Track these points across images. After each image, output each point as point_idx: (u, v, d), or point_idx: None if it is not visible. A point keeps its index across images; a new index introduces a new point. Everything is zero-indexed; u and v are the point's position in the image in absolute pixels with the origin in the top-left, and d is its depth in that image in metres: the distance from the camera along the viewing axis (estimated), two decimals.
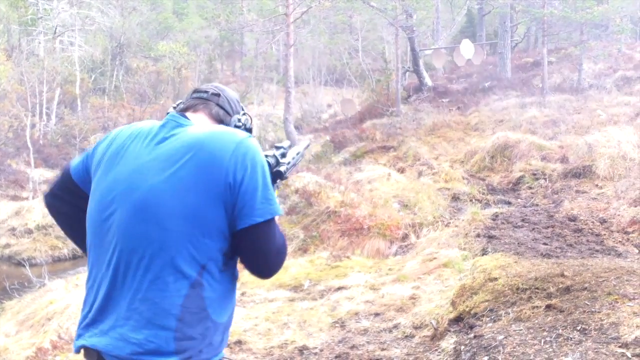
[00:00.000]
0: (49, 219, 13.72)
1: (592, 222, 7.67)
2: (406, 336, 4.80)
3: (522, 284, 4.25)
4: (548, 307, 3.82)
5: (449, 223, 8.85)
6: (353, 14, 27.07)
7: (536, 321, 3.71)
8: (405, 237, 8.68)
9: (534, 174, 11.27)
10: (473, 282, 4.71)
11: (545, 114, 15.62)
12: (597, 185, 9.83)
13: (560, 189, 10.14)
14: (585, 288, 3.94)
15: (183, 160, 1.64)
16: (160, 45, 30.37)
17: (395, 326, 5.03)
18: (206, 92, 1.90)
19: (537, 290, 4.12)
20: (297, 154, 2.09)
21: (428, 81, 21.85)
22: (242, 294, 6.26)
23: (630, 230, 7.18)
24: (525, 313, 3.86)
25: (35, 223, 13.74)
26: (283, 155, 1.97)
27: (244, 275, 6.78)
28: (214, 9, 32.60)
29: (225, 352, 1.80)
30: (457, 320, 4.41)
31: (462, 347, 3.90)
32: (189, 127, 1.74)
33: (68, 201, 1.94)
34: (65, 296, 7.66)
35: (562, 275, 4.24)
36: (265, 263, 1.74)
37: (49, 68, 21.68)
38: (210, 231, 1.63)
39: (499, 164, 12.34)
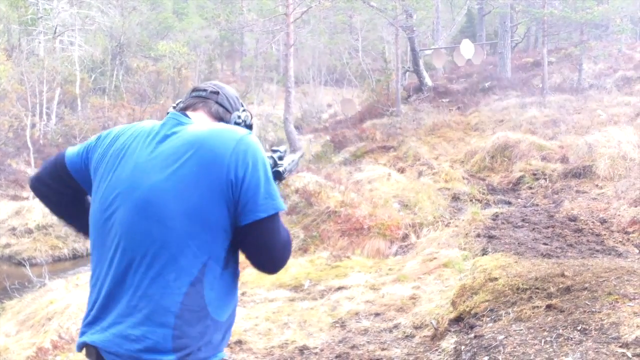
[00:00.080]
0: (49, 219, 13.72)
1: (593, 222, 7.67)
2: (406, 336, 4.80)
3: (522, 284, 4.25)
4: (548, 307, 3.82)
5: (449, 223, 8.86)
6: (353, 13, 27.10)
7: (536, 321, 3.71)
8: (405, 237, 8.68)
9: (534, 174, 11.27)
10: (473, 282, 4.71)
11: (545, 114, 15.62)
12: (597, 186, 9.83)
13: (560, 189, 10.15)
14: (586, 288, 3.94)
15: (184, 158, 1.65)
16: (160, 45, 30.37)
17: (396, 326, 5.03)
18: (205, 90, 1.90)
19: (537, 290, 4.12)
20: (292, 161, 2.09)
21: (428, 81, 21.86)
22: (243, 293, 6.27)
23: (630, 230, 7.18)
24: (526, 313, 3.86)
25: (36, 223, 13.74)
26: (280, 158, 1.97)
27: (244, 275, 6.79)
28: (214, 8, 32.64)
29: (226, 351, 1.80)
30: (458, 320, 4.41)
31: (463, 347, 3.90)
32: (189, 126, 1.75)
33: (55, 188, 1.96)
34: (66, 296, 7.66)
35: (563, 275, 4.24)
36: (271, 258, 1.75)
37: (49, 68, 21.67)
38: (211, 228, 1.63)
39: (499, 164, 12.34)
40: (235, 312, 1.82)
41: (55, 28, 25.45)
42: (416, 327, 4.89)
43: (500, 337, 3.64)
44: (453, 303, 4.72)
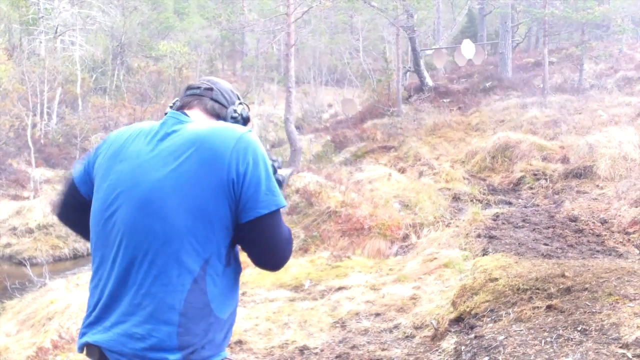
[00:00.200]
0: (50, 219, 13.73)
1: (593, 222, 7.66)
2: (407, 336, 4.80)
3: (522, 285, 4.25)
4: (549, 307, 3.82)
5: (450, 223, 8.85)
6: (354, 13, 27.07)
7: (537, 322, 3.71)
8: (405, 237, 8.68)
9: (535, 174, 11.27)
10: (474, 283, 4.71)
11: (546, 114, 15.61)
12: (598, 186, 9.82)
13: (561, 190, 10.15)
14: (586, 289, 3.94)
15: (185, 156, 1.66)
16: (161, 45, 30.38)
17: (396, 326, 5.03)
18: (199, 87, 1.91)
19: (537, 290, 4.12)
20: (286, 174, 2.08)
21: (429, 81, 21.84)
22: (243, 293, 6.27)
23: (631, 230, 7.17)
24: (526, 313, 3.86)
25: (36, 222, 13.75)
26: (279, 167, 1.97)
27: (245, 275, 6.79)
28: (215, 8, 32.57)
29: (226, 351, 1.80)
30: (458, 320, 4.41)
31: (463, 347, 3.90)
32: (189, 124, 1.76)
33: (81, 213, 1.92)
34: (66, 296, 7.66)
35: (563, 275, 4.24)
36: (273, 255, 1.76)
37: (50, 67, 21.67)
38: (213, 225, 1.64)
39: (500, 164, 12.34)
40: (236, 312, 1.82)
41: (57, 28, 25.45)
42: (416, 328, 4.89)
43: (501, 337, 3.64)
44: (453, 303, 4.72)
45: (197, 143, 1.67)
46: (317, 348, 4.70)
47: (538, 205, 9.58)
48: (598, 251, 6.47)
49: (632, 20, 27.01)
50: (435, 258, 6.88)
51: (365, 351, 4.53)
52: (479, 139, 14.72)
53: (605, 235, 7.15)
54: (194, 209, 1.62)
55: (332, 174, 11.74)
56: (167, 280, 1.61)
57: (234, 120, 1.89)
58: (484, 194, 10.74)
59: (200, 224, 1.62)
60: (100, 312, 1.69)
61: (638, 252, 6.55)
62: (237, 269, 1.77)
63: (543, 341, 3.43)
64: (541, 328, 3.60)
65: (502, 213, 8.77)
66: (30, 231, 13.58)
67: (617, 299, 3.69)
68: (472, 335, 3.93)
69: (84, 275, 8.87)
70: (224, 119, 1.88)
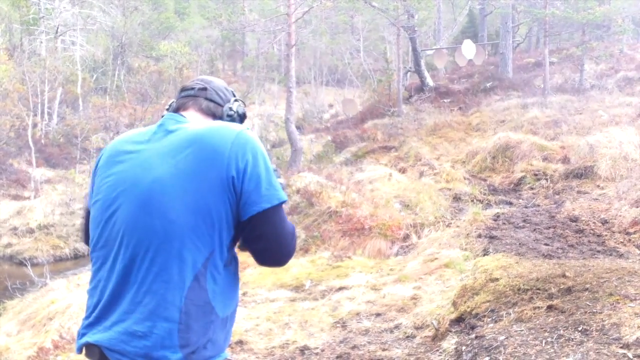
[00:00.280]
0: (51, 219, 13.75)
1: (594, 222, 7.66)
2: (407, 336, 4.80)
3: (523, 285, 4.25)
4: (549, 307, 3.82)
5: (450, 223, 8.85)
6: (355, 14, 27.06)
7: (537, 322, 3.71)
8: (406, 237, 8.68)
9: (536, 175, 11.27)
10: (474, 283, 4.71)
11: (546, 115, 15.61)
12: (598, 186, 9.82)
13: (561, 190, 10.14)
14: (587, 289, 3.94)
15: (184, 154, 1.66)
16: (161, 45, 30.38)
17: (397, 326, 5.03)
18: (193, 88, 1.92)
19: (538, 290, 4.12)
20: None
21: (429, 81, 21.84)
22: (244, 294, 6.27)
23: (631, 231, 7.17)
24: (527, 314, 3.86)
25: (37, 222, 13.76)
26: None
27: (245, 275, 6.80)
28: (215, 8, 32.62)
29: (227, 351, 1.80)
30: (459, 320, 4.41)
31: (464, 347, 3.90)
32: (187, 124, 1.77)
33: None
34: (67, 296, 7.67)
35: (564, 275, 4.24)
36: (279, 250, 1.76)
37: (51, 67, 21.68)
38: (213, 222, 1.64)
39: (501, 165, 12.34)
40: (236, 312, 1.82)
41: (57, 28, 25.45)
42: (417, 328, 4.89)
43: (501, 337, 3.64)
44: (454, 303, 4.72)
45: (195, 141, 1.68)
46: (317, 348, 4.70)
47: (539, 206, 9.58)
48: (599, 251, 6.47)
49: (633, 20, 26.99)
50: (436, 258, 6.88)
51: (366, 351, 4.53)
52: (480, 139, 14.72)
53: (606, 235, 7.15)
54: (194, 206, 1.62)
55: (333, 174, 11.74)
56: (168, 278, 1.61)
57: (230, 118, 1.90)
58: (484, 194, 10.74)
59: (200, 221, 1.63)
60: (100, 312, 1.69)
61: (639, 252, 6.54)
62: (236, 268, 1.78)
63: (544, 341, 3.43)
64: (542, 328, 3.60)
65: (502, 213, 8.77)
66: (31, 231, 13.60)
67: (617, 299, 3.69)
68: (473, 336, 3.93)
69: (85, 275, 8.88)
70: (220, 117, 1.89)
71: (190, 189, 1.63)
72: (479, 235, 7.48)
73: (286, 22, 16.64)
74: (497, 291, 4.33)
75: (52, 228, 13.68)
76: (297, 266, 7.23)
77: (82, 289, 7.58)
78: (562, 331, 3.48)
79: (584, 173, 10.41)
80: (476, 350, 3.67)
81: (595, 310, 3.62)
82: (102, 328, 1.67)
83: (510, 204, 10.10)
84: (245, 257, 1.84)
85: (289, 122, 16.46)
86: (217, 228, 1.64)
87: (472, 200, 10.31)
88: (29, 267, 10.37)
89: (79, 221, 14.04)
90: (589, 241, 6.90)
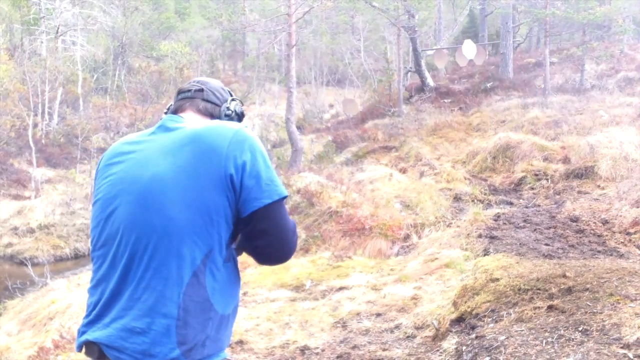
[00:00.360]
0: (51, 219, 13.75)
1: (594, 222, 7.66)
2: (408, 336, 4.80)
3: (523, 285, 4.25)
4: (550, 307, 3.82)
5: (451, 223, 8.85)
6: (355, 14, 27.06)
7: (538, 322, 3.71)
8: (407, 237, 8.68)
9: (536, 175, 11.27)
10: (475, 283, 4.71)
11: (547, 115, 15.60)
12: (599, 186, 9.82)
13: (562, 190, 10.14)
14: (587, 289, 3.94)
15: (182, 151, 1.68)
16: (162, 45, 30.35)
17: (397, 326, 5.03)
18: (189, 90, 1.93)
19: (538, 290, 4.12)
20: None
21: (430, 81, 21.84)
22: (244, 293, 6.27)
23: (632, 231, 7.17)
24: (527, 314, 3.86)
25: (38, 222, 13.77)
26: None
27: (246, 275, 6.80)
28: (216, 8, 32.63)
29: (227, 351, 1.80)
30: (459, 320, 4.41)
31: (464, 347, 3.90)
32: (186, 124, 1.79)
33: None
34: (67, 295, 7.67)
35: (564, 276, 4.24)
36: (281, 246, 1.76)
37: (51, 67, 21.68)
38: (212, 219, 1.64)
39: (501, 165, 12.33)
40: (237, 311, 1.82)
41: (58, 28, 25.44)
42: (417, 328, 4.89)
43: (502, 337, 3.64)
44: (454, 303, 4.72)
45: (194, 139, 1.69)
46: (318, 348, 4.70)
47: (539, 206, 9.57)
48: (599, 251, 6.47)
49: (633, 20, 26.98)
50: (437, 258, 6.89)
51: (366, 351, 4.53)
52: (480, 139, 14.71)
53: (607, 235, 7.15)
54: (192, 202, 1.63)
55: (333, 174, 11.75)
56: (167, 274, 1.62)
57: (228, 117, 1.92)
58: (485, 194, 10.74)
59: (199, 217, 1.63)
60: (100, 310, 1.69)
61: (639, 252, 6.54)
62: (236, 266, 1.78)
63: (544, 341, 3.43)
64: (542, 328, 3.60)
65: (503, 213, 8.77)
66: (31, 231, 13.60)
67: (618, 300, 3.69)
68: (473, 336, 3.93)
69: (85, 275, 8.89)
70: (218, 117, 1.91)
71: (189, 186, 1.64)
72: (480, 235, 7.48)
73: (287, 22, 16.64)
74: (498, 291, 4.33)
75: (53, 228, 13.69)
76: (297, 266, 7.23)
77: (82, 289, 7.58)
78: (562, 331, 3.48)
79: (584, 173, 10.41)
80: (476, 350, 3.67)
81: (595, 311, 3.62)
82: (101, 325, 1.67)
83: (511, 204, 10.10)
84: (245, 257, 1.84)
85: (290, 122, 16.45)
86: (215, 225, 1.65)
87: (473, 200, 10.31)
88: (29, 266, 10.38)
89: (79, 221, 14.04)
90: (589, 241, 6.90)
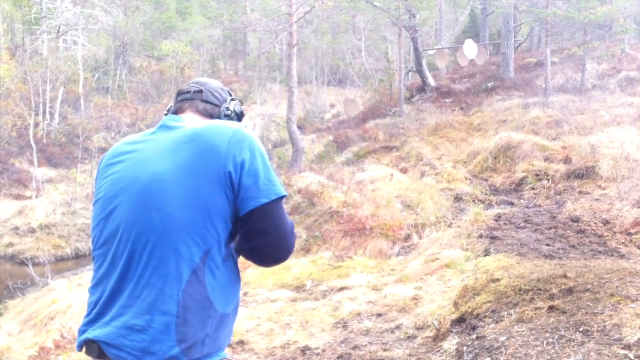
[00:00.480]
0: (52, 218, 13.76)
1: (595, 223, 7.65)
2: (408, 337, 4.80)
3: (524, 285, 4.25)
4: (550, 308, 3.82)
5: (452, 223, 8.85)
6: (356, 13, 27.08)
7: (538, 322, 3.71)
8: (407, 237, 8.67)
9: (537, 175, 11.26)
10: (475, 283, 4.71)
11: (548, 115, 15.58)
12: (600, 186, 9.81)
13: (563, 190, 10.13)
14: (588, 289, 3.94)
15: (182, 149, 1.69)
16: (163, 45, 30.36)
17: (398, 327, 5.03)
18: (189, 92, 1.94)
19: (539, 291, 4.12)
20: None
21: (431, 81, 21.83)
22: (245, 294, 6.27)
23: (633, 231, 7.17)
24: (528, 314, 3.86)
25: (38, 222, 13.77)
26: None
27: (246, 275, 6.80)
28: (217, 8, 32.63)
29: (227, 351, 1.80)
30: (460, 321, 4.41)
31: (464, 348, 3.90)
32: (186, 124, 1.80)
33: None
34: (68, 295, 7.68)
35: (565, 276, 4.23)
36: (279, 246, 1.76)
37: (53, 67, 21.69)
38: (211, 217, 1.65)
39: (502, 165, 12.33)
40: (237, 310, 1.83)
41: (59, 27, 25.45)
42: (418, 328, 4.89)
43: (502, 338, 3.64)
44: (455, 304, 4.71)
45: (194, 138, 1.70)
46: (318, 348, 4.70)
47: (540, 206, 9.57)
48: (600, 252, 6.46)
49: (635, 20, 26.97)
50: (437, 258, 6.88)
51: (367, 351, 4.53)
52: (481, 139, 14.71)
53: (607, 235, 7.15)
54: (192, 200, 1.64)
55: (334, 174, 11.75)
56: (166, 271, 1.62)
57: (228, 117, 1.93)
58: (485, 194, 10.73)
59: (198, 216, 1.64)
60: (100, 309, 1.70)
61: None
62: (236, 265, 1.78)
63: (545, 342, 3.43)
64: (543, 329, 3.60)
65: (504, 213, 8.77)
66: (32, 231, 13.60)
67: (619, 300, 3.69)
68: (474, 336, 3.92)
69: (86, 275, 8.89)
70: (218, 117, 1.93)
71: (188, 184, 1.64)
72: (480, 236, 7.48)
73: (288, 21, 16.64)
74: (498, 291, 4.33)
75: (54, 228, 13.69)
76: (298, 266, 7.23)
77: (83, 289, 7.59)
78: (563, 332, 3.48)
79: (585, 173, 10.40)
80: (477, 351, 3.67)
81: (596, 311, 3.61)
82: (101, 324, 1.68)
83: (512, 204, 10.09)
84: (248, 257, 1.84)
85: (291, 122, 16.46)
86: (215, 223, 1.65)
87: (474, 201, 10.30)
88: (30, 266, 10.38)
89: (80, 221, 14.05)
90: (590, 242, 6.90)
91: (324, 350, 4.65)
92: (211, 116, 1.91)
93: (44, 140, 20.52)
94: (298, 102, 20.82)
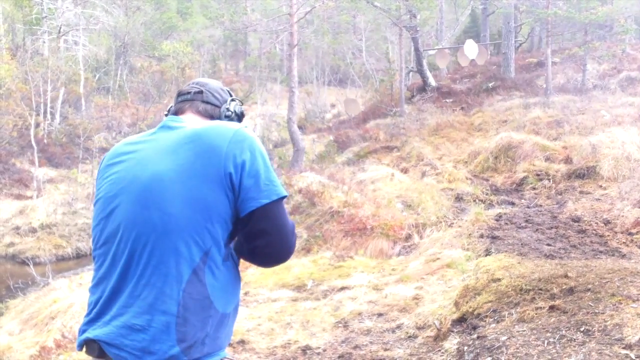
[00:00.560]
0: (53, 218, 13.76)
1: (596, 223, 7.65)
2: (409, 336, 4.80)
3: (525, 285, 4.25)
4: (551, 308, 3.82)
5: (453, 223, 8.84)
6: (357, 13, 27.09)
7: (539, 322, 3.71)
8: (408, 237, 8.67)
9: (538, 175, 11.26)
10: (476, 283, 4.71)
11: (549, 115, 15.57)
12: (601, 186, 9.80)
13: (564, 190, 10.13)
14: (589, 289, 3.93)
15: (182, 150, 1.69)
16: (164, 45, 30.39)
17: (399, 326, 5.03)
18: (189, 92, 1.95)
19: (540, 291, 4.12)
20: None
21: (432, 81, 21.83)
22: (245, 293, 6.27)
23: (634, 231, 7.16)
24: (529, 314, 3.85)
25: (39, 222, 13.78)
26: None
27: (247, 275, 6.80)
28: (218, 8, 32.61)
29: (228, 351, 1.80)
30: (460, 320, 4.41)
31: (465, 347, 3.89)
32: (186, 124, 1.80)
33: None
34: (69, 295, 7.68)
35: (566, 276, 4.23)
36: (280, 246, 1.76)
37: (53, 67, 21.70)
38: (211, 217, 1.65)
39: (503, 165, 12.32)
40: (237, 310, 1.83)
41: (60, 27, 25.47)
42: (419, 328, 4.89)
43: (503, 338, 3.63)
44: (456, 304, 4.71)
45: (194, 139, 1.70)
46: (319, 348, 4.70)
47: (541, 206, 9.56)
48: (601, 252, 6.46)
49: (636, 20, 26.95)
50: (438, 258, 6.88)
51: (368, 351, 4.53)
52: (482, 139, 14.70)
53: (608, 235, 7.14)
54: (191, 200, 1.64)
55: (335, 174, 11.74)
56: (166, 271, 1.62)
57: (228, 118, 1.94)
58: (486, 194, 10.73)
59: (198, 215, 1.64)
60: (101, 308, 1.70)
61: None
62: (236, 265, 1.79)
63: (546, 342, 3.43)
64: (544, 328, 3.60)
65: (504, 213, 8.76)
66: (33, 230, 13.62)
67: (620, 300, 3.69)
68: (475, 336, 3.92)
69: (87, 275, 8.90)
70: (218, 118, 1.93)
71: (188, 184, 1.64)
72: (481, 236, 7.48)
73: (288, 22, 16.65)
74: (499, 291, 4.33)
75: (55, 227, 13.70)
76: (299, 266, 7.23)
77: (84, 289, 7.59)
78: (564, 331, 3.48)
79: (586, 173, 10.39)
80: (478, 351, 3.67)
81: (597, 311, 3.61)
82: (101, 323, 1.68)
83: (513, 204, 10.08)
84: (247, 258, 1.84)
85: (291, 122, 16.46)
86: (215, 223, 1.66)
87: (474, 200, 10.29)
88: (31, 266, 10.39)
89: (80, 220, 14.06)
90: (591, 241, 6.89)
91: (324, 350, 4.65)
92: (211, 117, 1.91)
93: (45, 141, 20.53)
94: (299, 102, 20.82)
